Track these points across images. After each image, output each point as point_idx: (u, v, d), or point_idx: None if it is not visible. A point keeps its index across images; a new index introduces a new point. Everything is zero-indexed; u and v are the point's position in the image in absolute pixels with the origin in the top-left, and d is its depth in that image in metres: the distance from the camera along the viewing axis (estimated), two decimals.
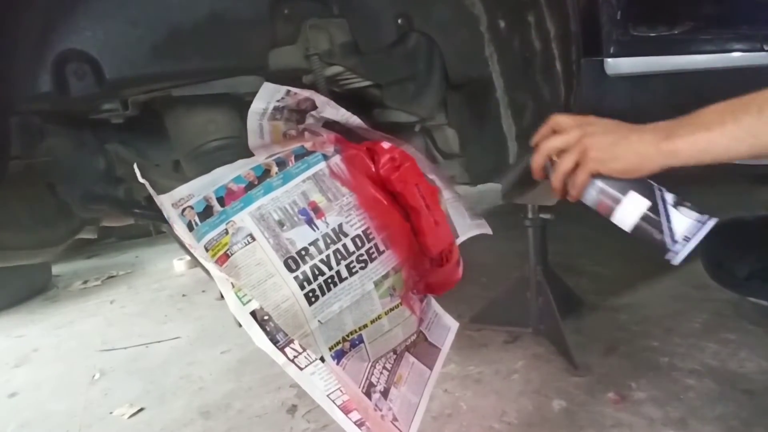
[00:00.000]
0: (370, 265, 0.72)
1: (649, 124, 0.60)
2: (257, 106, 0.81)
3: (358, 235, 0.71)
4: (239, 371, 1.34)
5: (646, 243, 0.61)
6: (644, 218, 0.61)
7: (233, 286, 0.62)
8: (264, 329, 0.62)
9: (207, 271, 0.84)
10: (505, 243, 1.54)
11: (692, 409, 0.93)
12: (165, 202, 0.62)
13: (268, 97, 0.81)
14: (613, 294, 1.46)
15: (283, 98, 0.82)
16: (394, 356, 0.83)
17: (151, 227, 1.07)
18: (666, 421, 0.91)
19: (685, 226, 0.59)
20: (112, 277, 2.66)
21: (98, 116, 0.84)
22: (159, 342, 1.62)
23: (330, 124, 0.83)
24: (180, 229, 0.61)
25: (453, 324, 0.92)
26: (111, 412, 1.22)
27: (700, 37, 1.06)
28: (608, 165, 0.59)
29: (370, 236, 0.72)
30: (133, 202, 1.03)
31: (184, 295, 2.12)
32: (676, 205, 0.60)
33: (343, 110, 0.81)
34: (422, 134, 1.11)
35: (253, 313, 0.61)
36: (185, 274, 2.50)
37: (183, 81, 0.84)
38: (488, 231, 0.92)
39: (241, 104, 0.94)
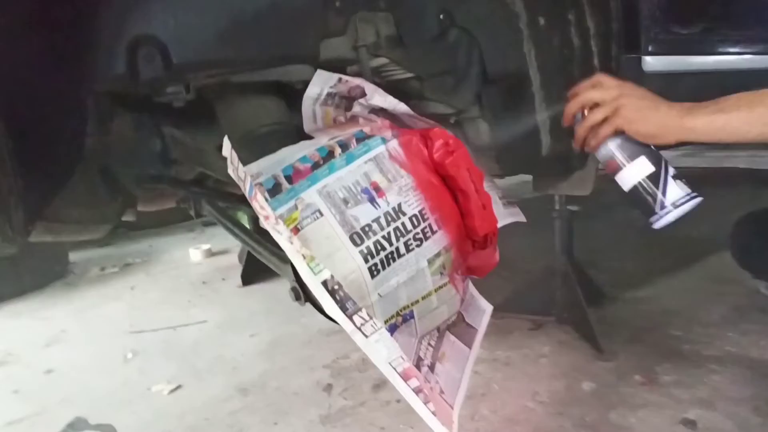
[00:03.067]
0: (425, 244, 0.76)
1: (681, 103, 0.67)
2: (312, 91, 0.86)
3: (414, 215, 0.75)
4: (271, 353, 1.38)
5: (638, 204, 0.69)
6: (644, 181, 0.69)
7: (304, 257, 0.66)
8: (334, 298, 0.65)
9: (258, 251, 0.89)
10: (525, 238, 1.58)
11: (718, 392, 0.97)
12: (248, 175, 0.66)
13: (321, 83, 0.86)
14: (632, 287, 1.51)
15: (335, 85, 0.86)
16: (437, 334, 0.88)
17: (192, 211, 1.11)
18: (694, 402, 0.95)
19: (677, 196, 0.67)
20: (129, 264, 2.69)
21: (162, 99, 0.88)
22: (187, 325, 1.66)
23: (375, 112, 0.88)
24: (260, 201, 0.65)
25: (488, 307, 0.97)
26: (149, 389, 1.26)
27: (731, 39, 1.11)
28: (634, 126, 0.67)
29: (425, 216, 0.76)
30: (183, 182, 1.08)
31: (204, 283, 2.16)
32: (675, 177, 0.68)
33: (390, 98, 0.85)
34: (453, 126, 1.15)
35: (324, 283, 0.65)
36: (202, 263, 2.54)
37: (242, 67, 0.88)
38: (522, 219, 0.96)
39: (288, 92, 0.98)
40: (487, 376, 1.11)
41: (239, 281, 2.05)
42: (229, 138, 1.02)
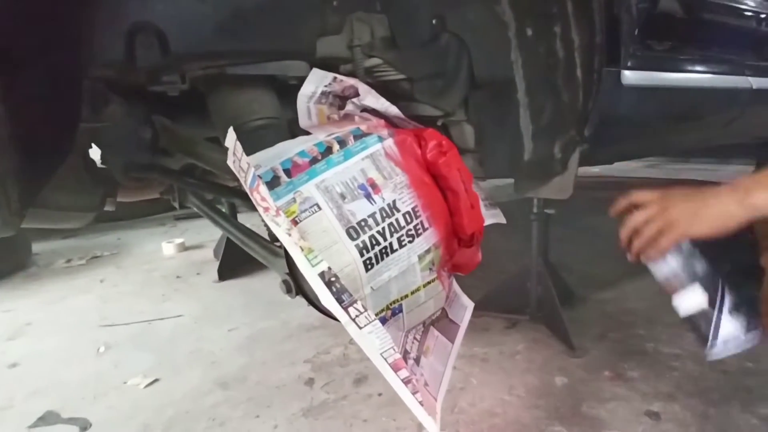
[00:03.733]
0: (417, 240, 0.79)
1: (719, 186, 0.65)
2: (307, 89, 0.88)
3: (408, 212, 0.78)
4: (250, 347, 1.38)
5: (692, 330, 0.67)
6: (698, 313, 0.66)
7: (302, 249, 0.67)
8: (330, 290, 0.67)
9: (245, 243, 0.89)
10: (499, 240, 1.64)
11: (678, 386, 1.04)
12: (251, 165, 0.67)
13: (317, 81, 0.88)
14: (600, 289, 1.59)
15: (330, 84, 0.88)
16: (422, 329, 0.91)
17: (176, 202, 1.09)
18: (657, 395, 1.02)
19: (730, 334, 0.64)
20: (97, 257, 2.61)
21: (157, 88, 0.87)
22: (162, 319, 1.63)
23: (367, 112, 0.90)
24: (261, 192, 0.66)
25: (469, 303, 1.01)
26: (125, 382, 1.23)
27: (696, 59, 1.19)
28: (695, 228, 0.63)
29: (418, 213, 0.79)
30: (172, 172, 1.07)
31: (178, 277, 2.13)
32: (731, 310, 0.65)
33: (383, 99, 0.87)
34: (438, 129, 1.19)
35: (321, 274, 0.67)
36: (176, 258, 2.49)
37: (240, 60, 0.89)
38: (502, 220, 1.01)
39: (282, 87, 0.99)
40: (465, 371, 1.15)
41: (215, 276, 2.03)
42: (220, 129, 1.03)
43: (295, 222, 0.71)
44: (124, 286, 2.05)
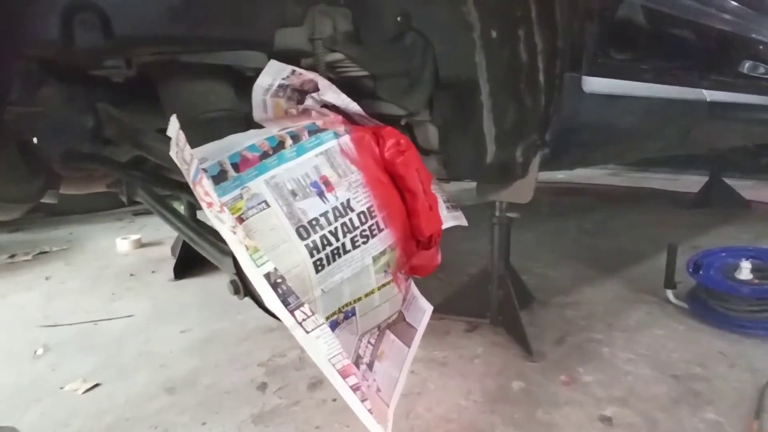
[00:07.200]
0: (371, 241, 0.76)
1: None
2: (263, 81, 0.84)
3: (362, 212, 0.75)
4: (203, 349, 1.32)
5: None
6: None
7: (247, 248, 0.63)
8: (276, 291, 0.64)
9: (195, 241, 0.85)
10: (464, 242, 1.64)
11: (632, 391, 1.06)
12: (195, 158, 0.63)
13: (274, 73, 0.84)
14: (560, 293, 1.60)
15: (288, 77, 0.85)
16: (377, 332, 0.88)
17: (124, 196, 1.03)
18: (610, 400, 1.03)
19: None
20: (45, 252, 2.47)
21: (99, 72, 0.82)
22: (110, 319, 1.55)
23: (327, 107, 0.87)
24: (205, 186, 0.62)
25: (428, 307, 0.99)
26: (62, 387, 1.15)
27: (657, 69, 1.21)
28: None
29: (373, 214, 0.77)
30: (117, 164, 1.00)
31: (132, 275, 2.03)
32: None
33: (343, 96, 0.85)
34: (402, 128, 1.17)
35: (267, 275, 0.63)
36: (130, 254, 2.38)
37: (192, 47, 0.84)
38: (464, 223, 0.99)
39: (239, 79, 0.95)
40: (423, 375, 1.13)
41: (171, 274, 1.94)
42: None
43: (241, 219, 0.67)
44: (71, 284, 1.94)
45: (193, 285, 1.87)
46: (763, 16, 1.74)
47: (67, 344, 1.39)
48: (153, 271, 2.06)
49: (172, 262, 2.02)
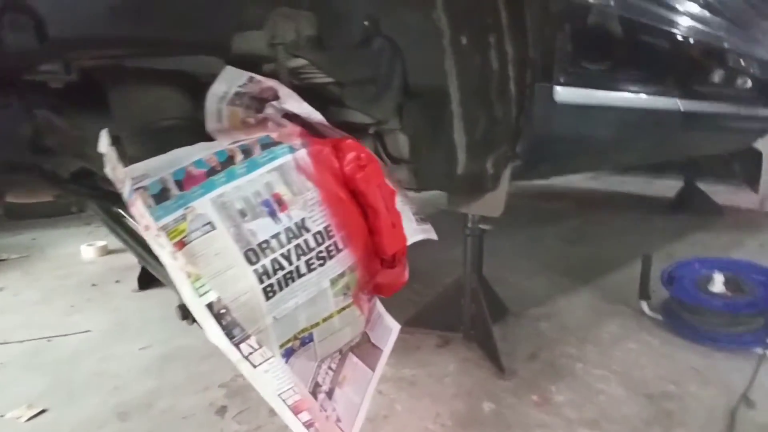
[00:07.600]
0: (328, 263, 0.71)
1: None
2: (218, 88, 0.78)
3: (319, 232, 0.70)
4: (162, 369, 1.25)
5: None
6: None
7: (189, 276, 0.58)
8: (219, 323, 0.58)
9: (148, 262, 0.79)
10: (440, 252, 1.60)
11: (603, 411, 1.03)
12: (127, 176, 0.57)
13: (229, 81, 0.78)
14: (535, 304, 1.58)
15: (245, 84, 0.79)
16: (339, 356, 0.83)
17: (74, 207, 0.96)
18: (581, 422, 0.99)
19: None
20: (2, 260, 2.35)
21: (34, 77, 0.75)
22: (65, 335, 1.46)
23: (288, 116, 0.82)
24: (139, 208, 0.56)
25: (395, 326, 0.94)
26: (2, 416, 1.07)
27: (629, 80, 1.20)
28: None
29: (331, 233, 0.72)
30: (59, 177, 0.93)
31: (94, 285, 1.94)
32: None
33: (305, 104, 0.79)
34: (373, 137, 1.13)
35: (209, 306, 0.58)
36: (95, 262, 2.28)
37: (138, 51, 0.78)
38: (433, 236, 0.95)
39: (195, 86, 0.89)
40: (391, 396, 1.09)
41: (135, 285, 1.86)
42: (124, 130, 0.90)
43: (183, 243, 0.61)
44: (27, 295, 1.84)
45: (158, 296, 1.79)
46: (735, 26, 1.75)
47: (15, 364, 1.30)
48: (117, 281, 1.97)
49: (138, 270, 1.93)
